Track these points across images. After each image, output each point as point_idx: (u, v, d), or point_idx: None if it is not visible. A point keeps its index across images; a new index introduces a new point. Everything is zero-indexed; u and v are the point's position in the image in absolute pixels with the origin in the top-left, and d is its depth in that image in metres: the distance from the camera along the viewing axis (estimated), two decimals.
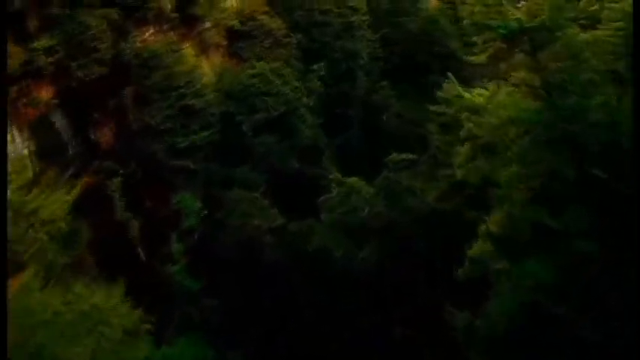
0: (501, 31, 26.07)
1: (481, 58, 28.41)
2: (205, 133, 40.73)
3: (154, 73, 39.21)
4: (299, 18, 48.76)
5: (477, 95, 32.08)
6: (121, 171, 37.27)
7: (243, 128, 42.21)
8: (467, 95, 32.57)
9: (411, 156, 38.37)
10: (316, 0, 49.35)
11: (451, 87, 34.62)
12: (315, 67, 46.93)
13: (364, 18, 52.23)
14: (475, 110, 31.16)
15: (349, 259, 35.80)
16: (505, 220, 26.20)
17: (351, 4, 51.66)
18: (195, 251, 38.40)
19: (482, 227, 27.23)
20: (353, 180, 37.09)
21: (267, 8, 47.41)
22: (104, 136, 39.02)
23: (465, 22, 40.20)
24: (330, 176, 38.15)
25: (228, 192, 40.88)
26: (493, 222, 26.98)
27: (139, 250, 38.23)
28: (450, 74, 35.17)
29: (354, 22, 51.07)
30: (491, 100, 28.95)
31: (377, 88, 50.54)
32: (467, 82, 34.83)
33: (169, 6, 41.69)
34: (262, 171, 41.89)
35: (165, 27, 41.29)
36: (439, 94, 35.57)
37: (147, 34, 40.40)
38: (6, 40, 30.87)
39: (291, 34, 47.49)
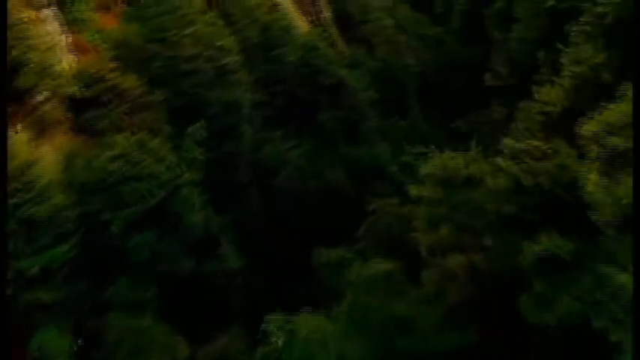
0: None
1: None
2: (61, 249, 29.92)
3: None
4: (159, 70, 38.91)
5: None
6: None
7: (113, 229, 31.79)
8: None
9: None
10: (177, 44, 39.76)
11: None
12: (189, 129, 37.26)
13: (237, 58, 43.37)
14: None
15: None
16: None
17: (218, 43, 42.55)
18: None
19: None
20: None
21: (114, 64, 36.99)
22: None
23: None
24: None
25: (107, 319, 30.45)
26: None
27: None
28: None
29: (227, 65, 42.06)
30: None
31: (266, 141, 41.91)
32: None
33: None
34: (148, 282, 31.78)
35: None
36: None
37: None
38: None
39: (153, 91, 37.51)
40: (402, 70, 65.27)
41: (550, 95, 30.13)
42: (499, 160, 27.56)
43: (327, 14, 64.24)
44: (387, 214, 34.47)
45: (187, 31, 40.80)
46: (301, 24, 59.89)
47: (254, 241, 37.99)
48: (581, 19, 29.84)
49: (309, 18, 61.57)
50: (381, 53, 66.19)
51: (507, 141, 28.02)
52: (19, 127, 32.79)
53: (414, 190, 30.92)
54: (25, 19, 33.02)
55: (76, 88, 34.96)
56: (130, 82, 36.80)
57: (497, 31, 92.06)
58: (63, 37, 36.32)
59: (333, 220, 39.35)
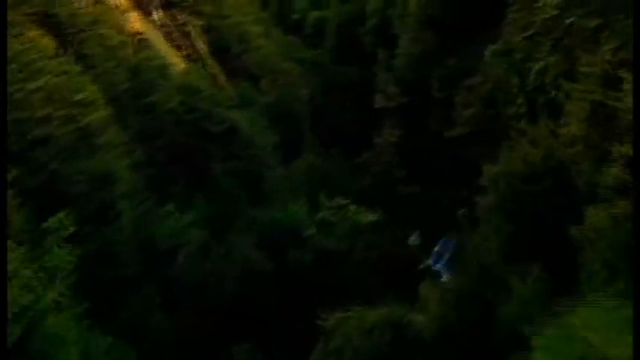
0: None
1: None
2: None
3: None
4: None
5: None
6: None
7: None
8: None
9: None
10: (24, 104, 29.79)
11: None
12: (50, 221, 27.25)
13: (103, 113, 34.10)
14: None
15: None
16: None
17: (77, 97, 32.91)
18: None
19: None
20: None
21: None
22: None
23: None
24: None
25: None
26: None
27: None
28: None
29: (90, 124, 32.67)
30: None
31: (153, 218, 32.76)
32: None
33: None
34: None
35: None
36: None
37: None
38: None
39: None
40: (295, 102, 58.11)
41: None
42: None
43: (202, 46, 55.71)
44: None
45: (34, 84, 30.92)
46: (176, 60, 51.05)
47: None
48: None
49: (183, 52, 52.78)
50: (267, 86, 58.68)
51: None
52: None
53: None
54: None
55: None
56: None
57: (380, 48, 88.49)
58: None
59: (251, 310, 30.95)
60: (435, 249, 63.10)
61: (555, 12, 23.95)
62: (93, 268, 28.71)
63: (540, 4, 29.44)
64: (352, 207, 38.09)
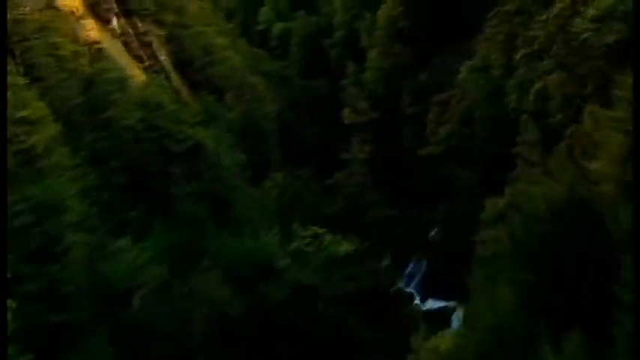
0: None
1: None
2: None
3: None
4: None
5: None
6: None
7: None
8: None
9: None
10: None
11: None
12: None
13: (52, 132, 30.10)
14: None
15: None
16: None
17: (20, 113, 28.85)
18: None
19: None
20: None
21: None
22: None
23: None
24: None
25: None
26: None
27: None
28: None
29: (37, 144, 28.56)
30: None
31: (107, 253, 28.79)
32: None
33: None
34: None
35: None
36: None
37: None
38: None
39: None
40: (262, 118, 54.69)
41: None
42: None
43: (164, 58, 51.87)
44: None
45: None
46: (135, 73, 47.10)
47: None
48: None
49: (144, 64, 48.87)
50: (233, 100, 55.14)
51: None
52: None
53: None
54: None
55: None
56: None
57: (348, 61, 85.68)
58: None
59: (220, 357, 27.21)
60: (407, 271, 60.91)
61: (593, 27, 20.94)
62: (36, 313, 24.75)
63: (545, 18, 26.65)
64: (327, 236, 34.84)
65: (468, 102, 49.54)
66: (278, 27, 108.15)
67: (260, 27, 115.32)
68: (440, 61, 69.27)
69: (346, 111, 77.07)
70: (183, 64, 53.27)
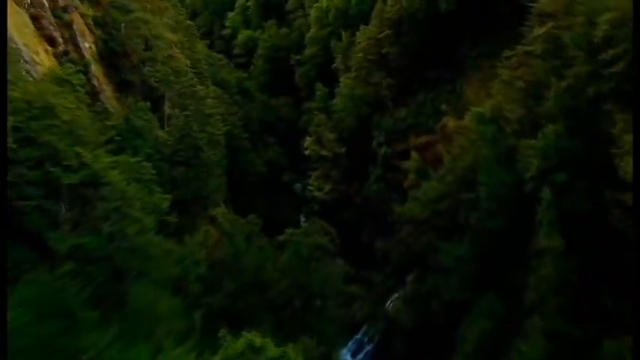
0: None
1: None
2: None
3: None
4: None
5: None
6: None
7: None
8: None
9: None
10: None
11: None
12: None
13: None
14: None
15: None
16: None
17: None
18: None
19: None
20: None
21: None
22: None
23: None
24: None
25: None
26: None
27: None
28: None
29: None
30: None
31: None
32: None
33: None
34: None
35: None
36: None
37: None
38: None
39: None
40: (207, 140, 42.52)
41: None
42: None
43: (87, 45, 39.30)
44: None
45: None
46: (40, 57, 34.55)
47: None
48: None
49: (55, 48, 36.26)
50: (172, 112, 42.86)
51: None
52: None
53: None
54: None
55: None
56: None
57: (317, 83, 74.74)
58: None
59: None
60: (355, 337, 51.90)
61: None
62: None
63: None
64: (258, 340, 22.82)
65: (470, 159, 38.81)
66: (244, 34, 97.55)
67: (225, 32, 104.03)
68: (423, 99, 59.84)
69: (308, 140, 66.32)
70: (112, 56, 40.78)
